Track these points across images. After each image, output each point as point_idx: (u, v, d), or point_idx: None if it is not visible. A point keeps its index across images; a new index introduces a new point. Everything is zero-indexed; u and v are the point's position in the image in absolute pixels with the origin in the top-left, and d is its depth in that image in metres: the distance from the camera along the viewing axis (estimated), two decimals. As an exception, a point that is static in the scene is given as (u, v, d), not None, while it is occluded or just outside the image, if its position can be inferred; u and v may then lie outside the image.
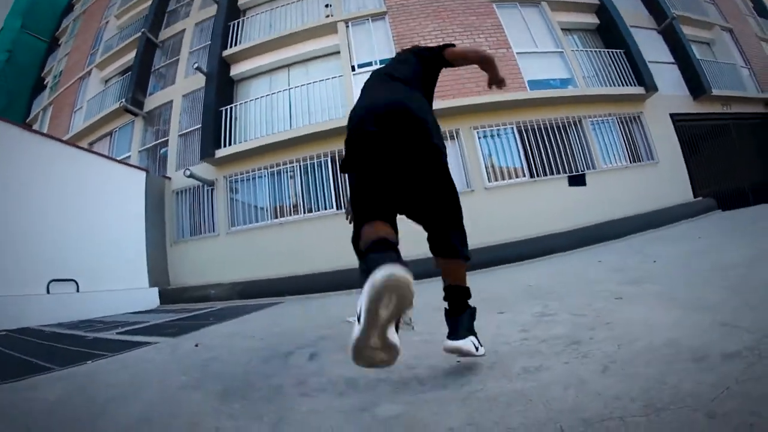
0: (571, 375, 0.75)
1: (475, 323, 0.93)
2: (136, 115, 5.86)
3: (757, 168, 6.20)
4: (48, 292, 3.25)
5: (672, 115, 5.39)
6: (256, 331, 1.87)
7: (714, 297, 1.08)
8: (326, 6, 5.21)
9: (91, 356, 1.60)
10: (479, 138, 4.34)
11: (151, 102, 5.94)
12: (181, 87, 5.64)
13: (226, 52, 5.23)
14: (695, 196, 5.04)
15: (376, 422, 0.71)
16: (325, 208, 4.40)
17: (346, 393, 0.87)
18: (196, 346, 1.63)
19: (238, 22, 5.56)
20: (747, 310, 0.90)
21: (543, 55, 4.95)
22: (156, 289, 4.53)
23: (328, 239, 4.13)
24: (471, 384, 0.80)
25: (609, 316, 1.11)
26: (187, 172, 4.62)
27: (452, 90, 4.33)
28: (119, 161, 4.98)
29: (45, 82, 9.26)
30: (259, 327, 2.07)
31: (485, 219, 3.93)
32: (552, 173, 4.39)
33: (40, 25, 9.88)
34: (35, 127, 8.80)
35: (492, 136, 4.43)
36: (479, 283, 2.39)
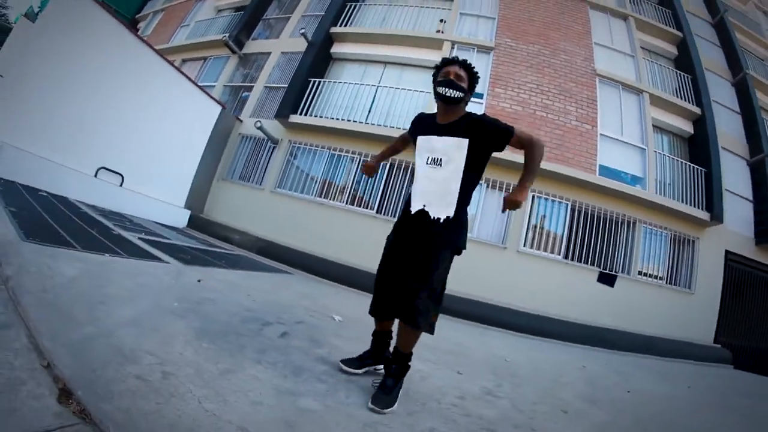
0: None
1: (420, 381, 1.07)
2: (234, 52, 6.28)
3: None
4: (95, 176, 3.57)
5: (727, 252, 5.19)
6: (254, 292, 2.01)
7: None
8: (441, 21, 5.34)
9: (110, 250, 1.78)
10: (531, 202, 4.40)
11: (251, 46, 6.33)
12: (283, 44, 5.98)
13: (334, 29, 5.49)
14: (715, 341, 4.87)
15: (294, 408, 0.85)
16: (367, 207, 4.62)
17: (288, 376, 1.01)
18: (199, 281, 1.81)
19: (355, 5, 5.80)
20: None
21: (625, 145, 4.89)
22: (188, 212, 4.92)
23: (357, 235, 4.36)
24: (381, 419, 0.90)
25: (540, 424, 1.14)
26: (258, 124, 4.97)
27: (526, 147, 4.40)
28: (201, 88, 5.36)
29: (164, -13, 9.94)
30: (259, 288, 2.21)
31: (504, 279, 4.02)
32: (586, 262, 4.40)
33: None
34: (142, 24, 9.57)
35: (545, 205, 4.48)
36: (464, 337, 2.53)
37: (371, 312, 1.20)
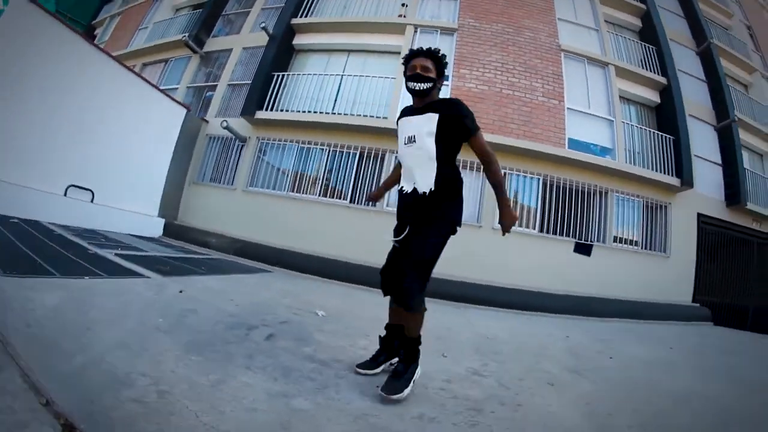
0: None
1: (409, 392, 1.04)
2: (194, 52, 6.07)
3: (766, 291, 6.09)
4: (65, 194, 3.46)
5: (699, 215, 5.33)
6: (236, 296, 2.02)
7: (620, 421, 1.08)
8: (402, 5, 5.26)
9: (89, 272, 1.76)
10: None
11: (212, 44, 6.13)
12: (245, 39, 5.81)
13: (295, 20, 5.35)
14: (693, 300, 5.02)
15: (287, 410, 0.86)
16: (340, 198, 4.56)
17: (278, 379, 1.02)
18: (180, 292, 1.80)
19: (315, -5, 5.67)
20: None
21: (593, 118, 4.93)
22: (162, 220, 4.77)
23: (332, 227, 4.30)
24: (371, 410, 0.92)
25: (526, 399, 1.17)
26: (224, 124, 4.82)
27: (494, 126, 4.40)
28: (164, 92, 5.19)
29: (120, -9, 9.55)
30: (240, 291, 2.22)
31: (483, 257, 4.03)
32: (562, 234, 4.45)
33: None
34: (99, 30, 9.17)
35: (517, 181, 4.50)
36: (447, 318, 2.56)
37: (384, 294, 1.23)
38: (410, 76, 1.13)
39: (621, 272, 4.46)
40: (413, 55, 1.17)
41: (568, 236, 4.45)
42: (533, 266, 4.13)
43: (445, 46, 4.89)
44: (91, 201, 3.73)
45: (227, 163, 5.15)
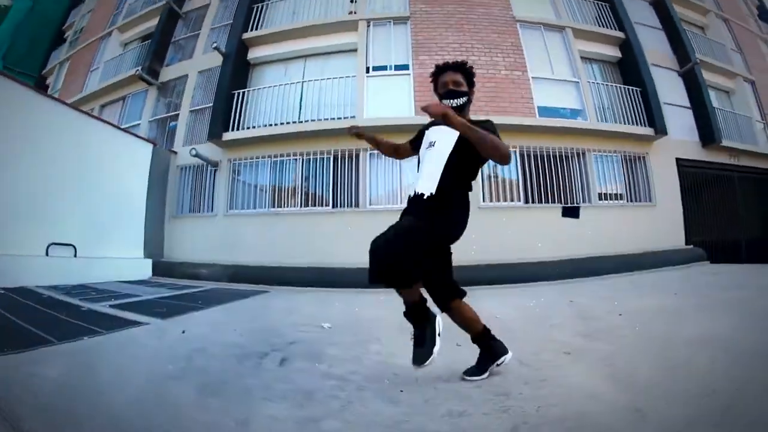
0: (484, 428, 0.82)
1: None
2: (150, 84, 5.90)
3: (755, 223, 6.23)
4: (47, 254, 3.37)
5: (678, 160, 5.41)
6: (239, 324, 1.99)
7: (643, 376, 1.09)
8: (351, 1, 5.20)
9: (87, 331, 1.72)
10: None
11: (167, 73, 5.97)
12: (199, 62, 5.68)
13: (246, 35, 5.24)
14: (687, 243, 5.09)
15: None
16: (322, 205, 4.49)
17: (303, 404, 0.98)
18: (183, 333, 1.76)
19: (263, 5, 5.55)
20: (663, 402, 0.90)
21: (558, 82, 4.95)
22: (150, 261, 4.66)
23: (320, 235, 4.23)
24: (401, 417, 0.90)
25: (547, 372, 1.17)
26: (193, 152, 4.70)
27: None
28: (128, 131, 5.05)
29: (65, 36, 9.26)
30: (242, 319, 2.19)
31: (474, 238, 4.00)
32: (548, 201, 4.46)
33: (67, -23, 9.82)
34: (51, 79, 8.87)
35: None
36: None
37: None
38: (444, 94, 1.15)
39: (611, 228, 4.50)
40: (441, 70, 1.18)
41: (554, 203, 4.46)
42: (525, 238, 4.12)
43: (400, 35, 4.86)
44: (74, 255, 3.65)
45: (203, 190, 5.04)
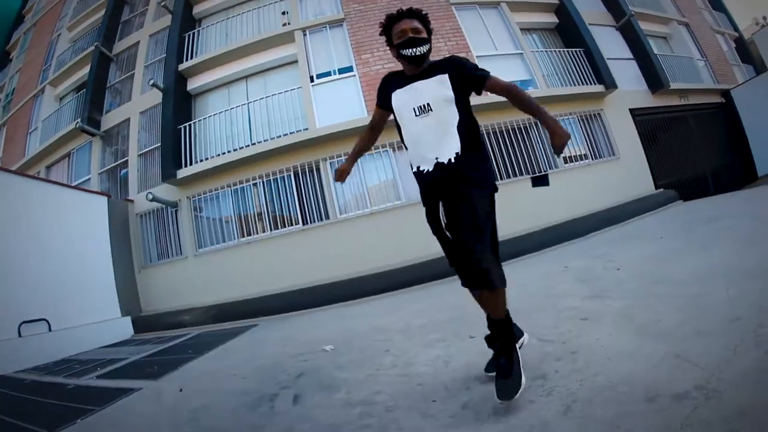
0: (535, 417, 0.76)
1: (445, 367, 0.98)
2: (93, 135, 5.60)
3: (714, 155, 6.51)
4: (20, 335, 3.11)
5: (631, 110, 5.57)
6: (238, 367, 1.86)
7: (668, 320, 1.09)
8: (283, 13, 5.08)
9: (78, 413, 1.56)
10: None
11: (108, 120, 5.68)
12: (138, 103, 5.42)
13: (182, 66, 5.04)
14: (657, 188, 5.24)
15: None
16: (291, 224, 4.34)
17: None
18: (180, 390, 1.62)
19: (193, 33, 5.36)
20: (698, 339, 0.92)
21: (503, 57, 5.00)
22: (129, 318, 4.39)
23: (295, 255, 4.09)
24: (445, 428, 0.81)
25: (574, 343, 1.12)
26: (150, 196, 4.46)
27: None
28: (79, 188, 4.76)
29: (-3, 102, 8.73)
30: (239, 360, 2.05)
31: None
32: (515, 175, 4.47)
33: (-12, 39, 9.29)
34: (-11, 149, 8.31)
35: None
36: (447, 298, 2.37)
37: (463, 284, 1.01)
38: (404, 42, 0.99)
39: (583, 188, 4.56)
40: (395, 19, 1.03)
41: (522, 175, 4.48)
42: (501, 215, 4.09)
43: (339, 38, 4.78)
44: (49, 330, 3.38)
45: (168, 234, 4.79)
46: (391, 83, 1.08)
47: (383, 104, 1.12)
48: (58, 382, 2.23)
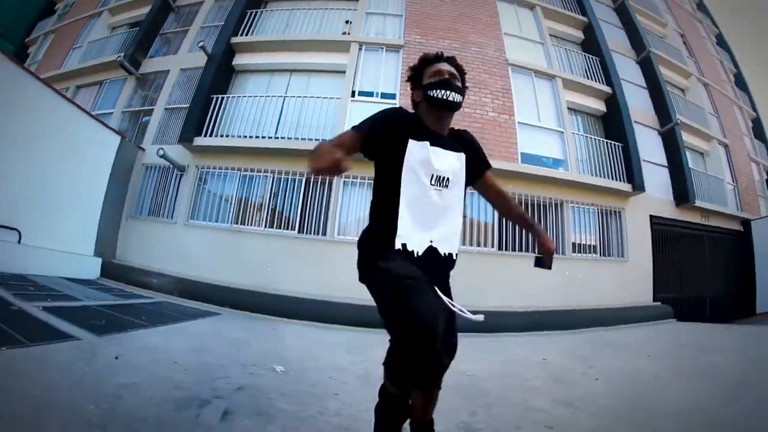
0: None
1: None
2: (130, 73, 5.61)
3: (719, 280, 6.42)
4: None
5: (652, 217, 5.51)
6: (183, 355, 1.76)
7: None
8: (346, 22, 5.14)
9: (8, 339, 1.47)
10: (459, 197, 4.29)
11: (149, 65, 5.70)
12: (182, 60, 5.44)
13: (235, 39, 5.07)
14: (654, 299, 5.13)
15: None
16: (288, 228, 4.26)
17: None
18: (116, 358, 1.53)
19: (256, 12, 5.42)
20: None
21: (544, 130, 4.99)
22: (99, 260, 4.29)
23: (285, 260, 3.99)
24: None
25: None
26: (160, 152, 4.41)
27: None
28: (97, 119, 4.72)
29: (55, 8, 8.87)
30: (187, 348, 1.94)
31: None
32: (521, 250, 4.39)
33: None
34: (32, 48, 8.40)
35: (471, 200, 4.40)
36: None
37: (405, 379, 0.83)
38: (439, 83, 0.84)
39: (582, 281, 4.46)
40: (433, 60, 0.89)
41: (527, 251, 4.39)
42: (494, 285, 4.01)
43: (391, 63, 4.80)
44: (18, 242, 3.28)
45: (166, 194, 4.71)
46: (409, 125, 0.85)
47: (374, 135, 0.82)
48: (5, 298, 2.15)
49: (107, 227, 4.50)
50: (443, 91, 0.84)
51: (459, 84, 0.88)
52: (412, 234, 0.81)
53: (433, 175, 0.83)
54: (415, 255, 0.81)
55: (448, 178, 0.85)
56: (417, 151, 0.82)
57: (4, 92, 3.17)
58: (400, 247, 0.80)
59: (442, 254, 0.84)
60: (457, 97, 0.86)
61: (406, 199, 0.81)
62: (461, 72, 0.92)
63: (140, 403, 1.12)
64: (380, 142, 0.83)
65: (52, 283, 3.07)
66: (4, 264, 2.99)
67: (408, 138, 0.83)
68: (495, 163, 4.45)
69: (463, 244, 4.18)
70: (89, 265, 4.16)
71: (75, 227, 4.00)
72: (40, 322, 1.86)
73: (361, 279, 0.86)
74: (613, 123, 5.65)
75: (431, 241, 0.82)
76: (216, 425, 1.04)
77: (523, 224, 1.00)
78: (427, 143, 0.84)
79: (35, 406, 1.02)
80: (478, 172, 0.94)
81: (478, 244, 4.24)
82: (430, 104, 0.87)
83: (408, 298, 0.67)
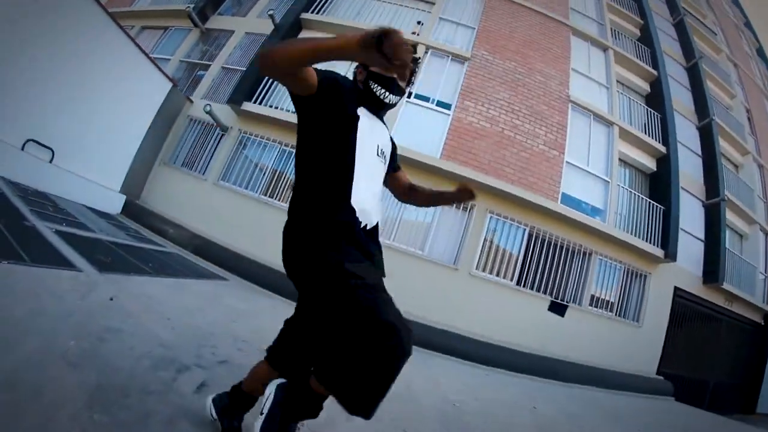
0: None
1: None
2: (196, 25, 5.69)
3: (727, 369, 6.14)
4: (23, 149, 3.08)
5: (676, 288, 5.30)
6: (176, 312, 1.72)
7: None
8: (418, 23, 5.08)
9: (11, 254, 1.44)
10: (488, 223, 4.20)
11: (216, 21, 5.78)
12: (250, 23, 5.49)
13: (304, 15, 5.08)
14: (658, 372, 4.93)
15: None
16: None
17: None
18: (111, 299, 1.51)
19: (331, -7, 5.42)
20: None
21: (589, 175, 4.83)
22: (123, 197, 4.38)
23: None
24: None
25: None
26: (207, 108, 4.46)
27: (489, 167, 4.20)
28: (154, 61, 4.80)
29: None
30: (183, 307, 1.90)
31: (452, 302, 3.79)
32: (539, 290, 4.27)
33: None
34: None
35: (502, 227, 4.30)
36: (408, 370, 2.25)
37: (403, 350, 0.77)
38: (394, 82, 0.78)
39: (592, 337, 4.32)
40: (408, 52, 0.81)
41: (545, 293, 4.27)
42: (504, 319, 3.92)
43: (454, 73, 4.72)
44: (51, 161, 3.34)
45: (203, 150, 4.77)
46: (352, 92, 0.78)
47: (327, 89, 0.71)
48: (21, 212, 2.14)
49: (139, 168, 4.58)
50: (385, 92, 0.78)
51: (404, 84, 0.82)
52: (362, 205, 0.75)
53: (376, 146, 0.81)
54: (365, 228, 0.77)
55: (385, 153, 0.84)
56: (367, 121, 0.78)
57: (69, 16, 3.21)
58: (352, 219, 0.73)
59: (374, 230, 0.83)
60: (395, 99, 0.82)
61: (362, 169, 0.75)
62: (414, 69, 0.85)
63: (119, 352, 1.08)
64: (329, 101, 0.72)
65: (72, 208, 3.11)
66: (31, 179, 3.06)
67: (356, 105, 0.78)
68: (534, 197, 4.29)
69: (483, 270, 4.09)
70: (113, 200, 4.25)
71: (108, 160, 4.07)
72: (48, 244, 1.82)
73: (306, 276, 0.72)
74: (660, 184, 5.44)
75: (374, 213, 0.81)
76: (188, 396, 0.99)
77: (434, 197, 0.97)
78: (370, 116, 0.80)
79: (14, 327, 0.99)
80: (393, 166, 0.95)
81: (497, 274, 4.14)
82: (372, 96, 0.79)
83: (387, 310, 0.64)
